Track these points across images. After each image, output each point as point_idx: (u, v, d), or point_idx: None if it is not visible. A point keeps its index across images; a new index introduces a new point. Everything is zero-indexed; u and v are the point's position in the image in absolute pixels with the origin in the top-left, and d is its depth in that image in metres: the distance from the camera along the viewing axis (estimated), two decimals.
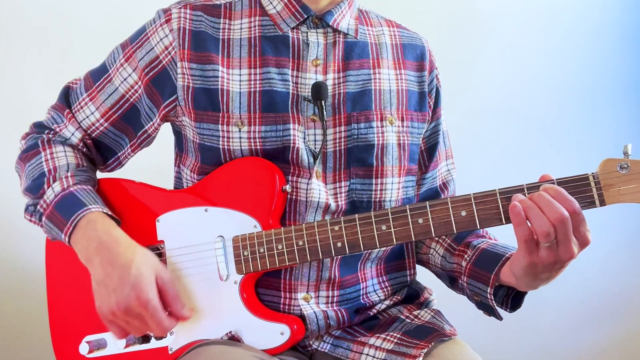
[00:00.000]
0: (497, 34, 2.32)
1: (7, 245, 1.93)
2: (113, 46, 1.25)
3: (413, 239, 1.06)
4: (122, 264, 1.06)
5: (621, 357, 2.39)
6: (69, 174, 1.17)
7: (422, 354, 1.09)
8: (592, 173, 1.01)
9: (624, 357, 2.39)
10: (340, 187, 1.18)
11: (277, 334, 1.11)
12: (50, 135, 1.25)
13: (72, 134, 1.24)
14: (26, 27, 1.95)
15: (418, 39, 1.31)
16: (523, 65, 2.33)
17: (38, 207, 1.17)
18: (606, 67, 2.38)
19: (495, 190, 1.03)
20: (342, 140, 1.18)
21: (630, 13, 2.40)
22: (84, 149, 1.25)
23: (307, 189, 1.15)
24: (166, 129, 1.28)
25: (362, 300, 1.20)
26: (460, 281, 1.20)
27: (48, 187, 1.16)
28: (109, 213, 1.15)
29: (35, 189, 1.17)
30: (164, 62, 1.18)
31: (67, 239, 1.13)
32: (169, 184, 1.28)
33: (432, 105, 1.29)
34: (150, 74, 1.19)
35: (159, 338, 1.15)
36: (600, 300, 2.37)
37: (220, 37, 1.19)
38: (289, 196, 1.15)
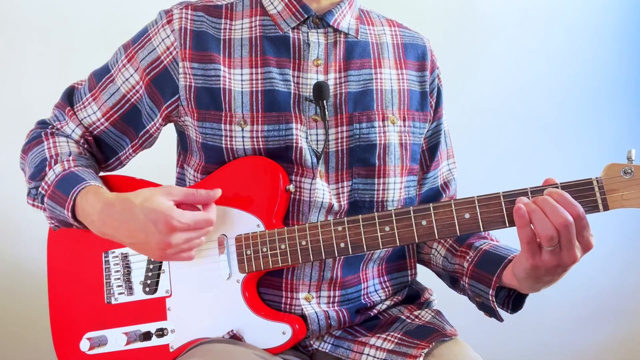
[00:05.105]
0: (499, 34, 2.32)
1: (7, 245, 1.93)
2: (114, 47, 1.26)
3: (416, 240, 1.06)
4: (132, 218, 1.04)
5: (621, 357, 2.39)
6: (71, 157, 1.17)
7: (423, 354, 1.09)
8: (596, 178, 1.00)
9: (624, 357, 2.39)
10: (342, 187, 1.18)
11: (278, 333, 1.11)
12: (53, 130, 1.25)
13: (73, 131, 1.24)
14: (27, 28, 1.95)
15: (419, 39, 1.31)
16: (524, 66, 2.33)
17: (40, 189, 1.16)
18: (607, 67, 2.38)
19: (499, 193, 1.03)
20: (344, 140, 1.17)
21: (630, 13, 2.39)
22: (85, 145, 1.25)
23: (310, 189, 1.15)
24: (167, 130, 1.27)
25: (363, 301, 1.20)
26: (461, 282, 1.20)
27: (49, 169, 1.15)
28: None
29: (37, 173, 1.17)
30: (165, 62, 1.18)
31: (69, 214, 1.11)
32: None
33: (433, 105, 1.29)
34: (151, 74, 1.19)
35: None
36: (600, 300, 2.37)
37: (222, 37, 1.19)
38: (292, 196, 1.15)
